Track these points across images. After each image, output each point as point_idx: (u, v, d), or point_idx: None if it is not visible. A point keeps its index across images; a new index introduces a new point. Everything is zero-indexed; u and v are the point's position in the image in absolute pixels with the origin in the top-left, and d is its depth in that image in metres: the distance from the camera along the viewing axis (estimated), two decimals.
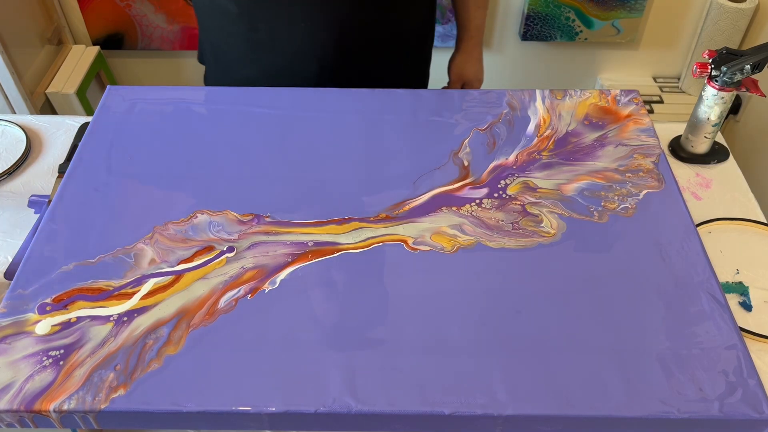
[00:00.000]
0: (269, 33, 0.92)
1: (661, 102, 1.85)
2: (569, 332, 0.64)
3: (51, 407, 0.58)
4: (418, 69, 1.11)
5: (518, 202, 0.77)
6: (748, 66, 0.82)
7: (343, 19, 0.93)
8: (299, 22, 0.91)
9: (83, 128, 0.95)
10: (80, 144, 0.84)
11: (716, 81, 0.85)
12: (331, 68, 0.97)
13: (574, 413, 0.58)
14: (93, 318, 0.65)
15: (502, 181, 0.79)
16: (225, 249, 0.71)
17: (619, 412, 0.58)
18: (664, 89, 1.89)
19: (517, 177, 0.80)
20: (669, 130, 0.95)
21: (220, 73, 1.04)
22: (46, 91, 1.67)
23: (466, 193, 0.78)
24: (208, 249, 0.71)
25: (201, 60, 1.10)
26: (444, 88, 1.19)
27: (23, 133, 0.95)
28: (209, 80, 1.09)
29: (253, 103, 0.90)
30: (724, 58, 0.84)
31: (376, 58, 1.01)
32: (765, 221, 0.83)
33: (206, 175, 0.80)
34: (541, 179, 0.80)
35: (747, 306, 0.74)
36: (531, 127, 0.87)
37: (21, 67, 1.58)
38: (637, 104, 0.90)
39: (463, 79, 1.16)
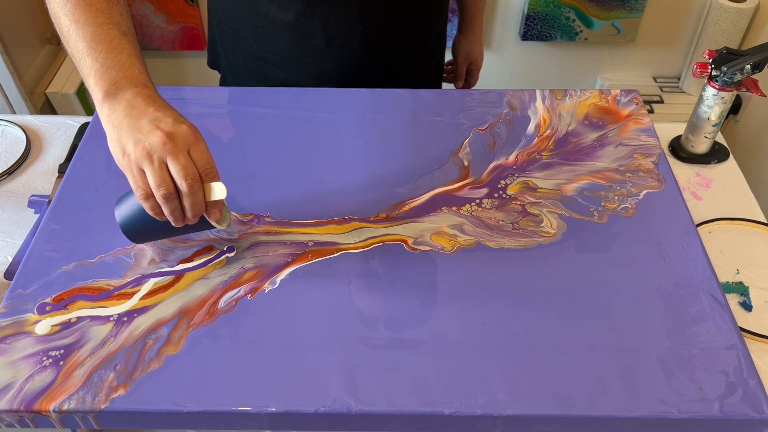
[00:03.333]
0: (326, 38, 0.92)
1: (661, 102, 1.85)
2: (569, 332, 0.64)
3: (51, 407, 0.58)
4: (438, 60, 1.13)
5: (518, 202, 0.77)
6: (748, 66, 0.82)
7: (393, 16, 0.94)
8: (356, 25, 0.92)
9: (83, 128, 0.95)
10: (80, 144, 0.84)
11: (716, 81, 0.85)
12: (375, 66, 0.98)
13: (574, 413, 0.58)
14: (93, 318, 0.65)
15: (502, 181, 0.79)
16: (225, 249, 0.71)
17: (619, 412, 0.58)
18: (664, 89, 1.89)
19: (517, 177, 0.80)
20: (669, 130, 0.95)
21: (250, 77, 1.01)
22: (46, 91, 1.67)
23: (466, 193, 0.78)
24: (208, 249, 0.71)
25: (213, 65, 1.09)
26: (449, 66, 1.21)
27: (23, 133, 0.95)
28: (231, 85, 1.06)
29: (253, 103, 0.90)
30: (724, 58, 0.84)
31: (407, 51, 1.01)
32: (765, 221, 0.83)
33: None
34: (541, 179, 0.80)
35: (747, 306, 0.74)
36: (531, 127, 0.87)
37: (21, 67, 1.58)
38: (637, 104, 0.90)
39: (470, 59, 1.19)
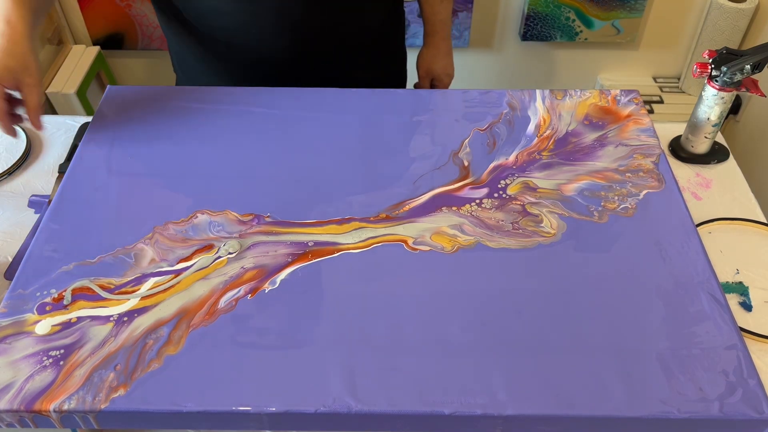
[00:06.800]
0: (225, 40, 0.94)
1: (661, 102, 1.85)
2: (569, 332, 0.64)
3: (51, 407, 0.58)
4: (389, 67, 1.10)
5: (518, 202, 0.77)
6: (748, 66, 0.82)
7: (296, 21, 0.92)
8: (252, 27, 0.91)
9: (83, 128, 0.95)
10: (80, 144, 0.84)
11: (716, 81, 0.85)
12: (290, 72, 0.97)
13: (574, 413, 0.58)
14: (93, 318, 0.65)
15: (502, 181, 0.79)
16: (224, 245, 0.71)
17: (619, 412, 0.58)
18: (664, 89, 1.89)
19: (517, 177, 0.80)
20: (669, 130, 0.95)
21: (186, 80, 1.05)
22: (46, 91, 1.67)
23: (466, 193, 0.78)
24: (208, 248, 0.71)
25: (174, 68, 1.11)
26: (415, 85, 1.18)
27: (23, 133, 0.95)
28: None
29: (253, 103, 0.90)
30: (724, 58, 0.84)
31: (338, 58, 0.99)
32: (765, 221, 0.83)
33: (206, 175, 0.80)
34: (541, 179, 0.80)
35: (747, 306, 0.74)
36: (531, 127, 0.87)
37: None
38: (637, 104, 0.90)
39: (431, 74, 1.15)
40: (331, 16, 0.94)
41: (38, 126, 0.78)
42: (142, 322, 0.65)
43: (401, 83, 1.15)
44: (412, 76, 1.19)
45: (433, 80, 1.16)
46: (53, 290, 0.67)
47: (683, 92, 1.88)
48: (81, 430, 0.85)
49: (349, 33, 0.98)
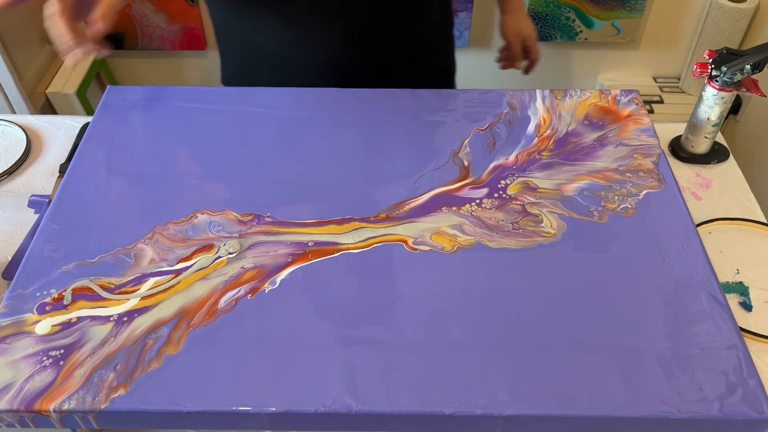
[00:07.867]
0: (293, 47, 0.95)
1: (661, 102, 1.85)
2: (569, 332, 0.64)
3: (51, 407, 0.58)
4: (444, 57, 1.12)
5: (518, 202, 0.77)
6: (749, 66, 0.82)
7: (356, 25, 0.94)
8: (318, 31, 0.93)
9: (84, 128, 0.95)
10: (80, 144, 0.84)
11: (716, 81, 0.85)
12: (355, 75, 0.99)
13: (574, 413, 0.58)
14: (93, 318, 0.65)
15: (502, 181, 0.79)
16: (224, 245, 0.71)
17: (619, 412, 0.58)
18: (664, 89, 1.89)
19: (517, 177, 0.80)
20: (669, 130, 0.95)
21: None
22: (46, 91, 1.67)
23: (466, 193, 0.78)
24: (208, 248, 0.71)
25: (225, 83, 1.13)
26: (502, 49, 1.20)
27: (23, 133, 0.95)
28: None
29: (253, 103, 0.90)
30: (724, 58, 0.84)
31: (398, 58, 1.01)
32: (765, 221, 0.83)
33: (206, 175, 0.80)
34: (541, 179, 0.80)
35: (747, 306, 0.74)
36: (531, 127, 0.87)
37: (21, 67, 1.58)
38: (637, 104, 0.90)
39: (522, 36, 1.17)
40: (391, 15, 0.96)
41: (103, 28, 0.64)
42: (142, 322, 0.65)
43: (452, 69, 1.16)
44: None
45: (523, 41, 1.18)
46: (53, 290, 0.67)
47: (683, 92, 1.89)
48: (81, 430, 0.85)
49: (410, 31, 1.00)
